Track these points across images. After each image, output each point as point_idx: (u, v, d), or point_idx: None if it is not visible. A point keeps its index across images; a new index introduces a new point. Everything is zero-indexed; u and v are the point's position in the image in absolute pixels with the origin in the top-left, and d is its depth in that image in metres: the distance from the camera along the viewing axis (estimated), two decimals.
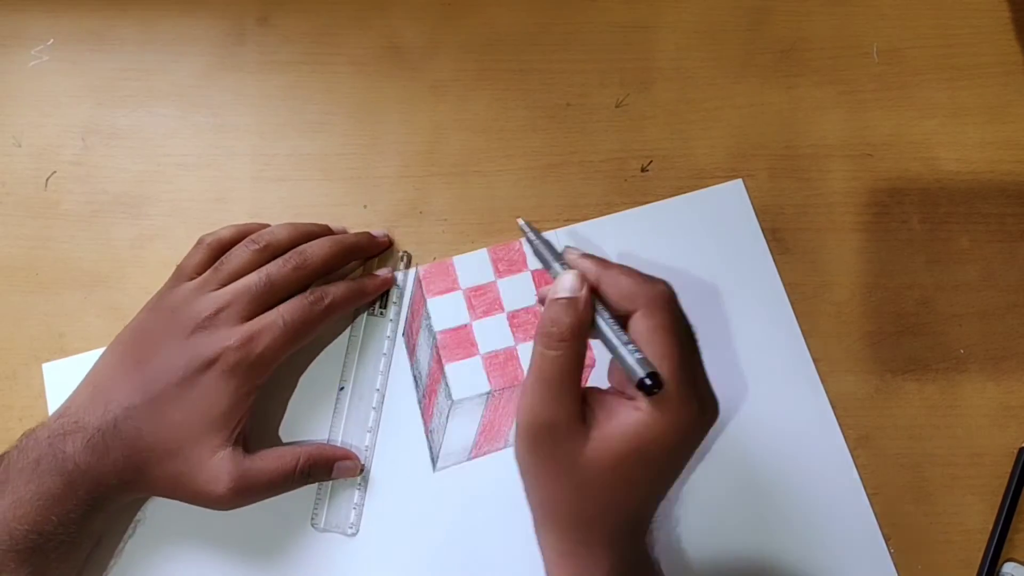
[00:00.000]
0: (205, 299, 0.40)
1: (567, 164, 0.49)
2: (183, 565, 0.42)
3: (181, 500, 0.39)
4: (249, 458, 0.39)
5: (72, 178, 0.49)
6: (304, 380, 0.45)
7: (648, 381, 0.33)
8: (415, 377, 0.45)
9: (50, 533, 0.36)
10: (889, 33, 0.51)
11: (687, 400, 0.34)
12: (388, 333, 0.45)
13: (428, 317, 0.45)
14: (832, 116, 0.50)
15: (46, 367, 0.45)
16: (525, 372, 0.40)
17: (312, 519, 0.42)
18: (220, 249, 0.43)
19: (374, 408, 0.44)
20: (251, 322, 0.40)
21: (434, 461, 0.43)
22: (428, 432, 0.44)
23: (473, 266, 0.46)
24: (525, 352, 0.44)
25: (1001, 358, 0.45)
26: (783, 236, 0.47)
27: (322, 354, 0.45)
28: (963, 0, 0.52)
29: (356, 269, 0.47)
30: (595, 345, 0.40)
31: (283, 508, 0.42)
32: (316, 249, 0.43)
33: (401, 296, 0.46)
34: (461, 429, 0.43)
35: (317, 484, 0.43)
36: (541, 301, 0.40)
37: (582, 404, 0.34)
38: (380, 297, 0.46)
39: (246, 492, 0.39)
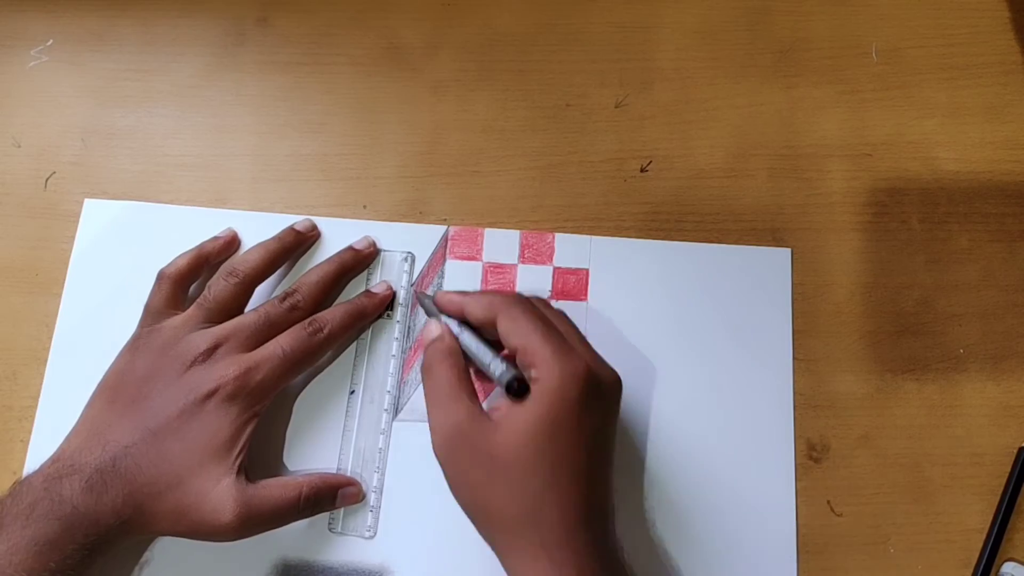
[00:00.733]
0: (199, 335, 0.40)
1: (567, 164, 0.49)
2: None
3: (184, 535, 0.38)
4: (252, 486, 0.38)
5: (72, 178, 0.49)
6: (314, 385, 0.44)
7: (514, 384, 0.36)
8: (408, 328, 0.45)
9: None
10: (889, 33, 0.51)
11: (569, 361, 0.36)
12: (396, 335, 0.45)
13: (442, 276, 0.46)
14: (832, 116, 0.50)
15: (88, 202, 0.48)
16: None
17: (329, 523, 0.42)
18: (182, 281, 0.43)
19: (386, 410, 0.44)
20: (250, 353, 0.40)
21: (397, 410, 0.44)
22: (401, 382, 0.44)
23: (501, 243, 0.47)
24: None
25: (1001, 358, 0.45)
26: (783, 236, 0.47)
27: (331, 359, 0.45)
28: (963, 0, 0.52)
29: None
30: None
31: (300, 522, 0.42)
32: (307, 289, 0.43)
33: (409, 298, 0.46)
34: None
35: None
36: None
37: (481, 407, 0.37)
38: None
39: (251, 520, 0.38)
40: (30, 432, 0.44)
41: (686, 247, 0.47)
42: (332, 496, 0.41)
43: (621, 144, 0.49)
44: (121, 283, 0.46)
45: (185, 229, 0.46)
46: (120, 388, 0.40)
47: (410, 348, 0.45)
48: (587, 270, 0.46)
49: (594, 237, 0.47)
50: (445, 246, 0.47)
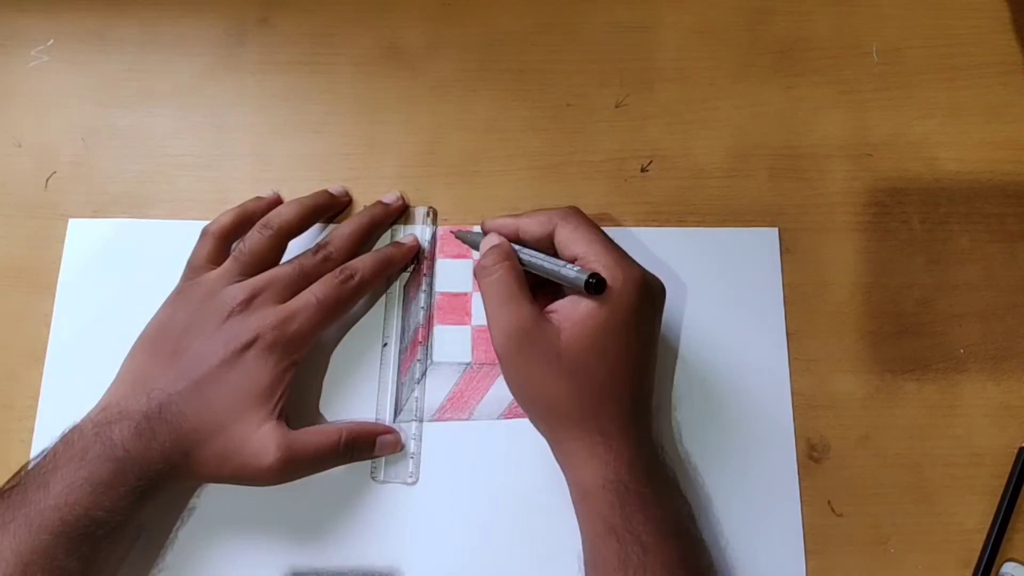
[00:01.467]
0: (235, 287, 0.41)
1: (567, 164, 0.49)
2: (243, 542, 0.42)
3: (228, 479, 0.39)
4: (293, 432, 0.40)
5: (72, 178, 0.49)
6: (347, 340, 0.45)
7: (592, 281, 0.37)
8: (403, 328, 0.45)
9: (101, 520, 0.36)
10: (889, 33, 0.51)
11: (628, 268, 0.39)
12: (424, 287, 0.46)
13: (432, 275, 0.47)
14: (832, 116, 0.50)
15: (72, 222, 0.47)
16: None
17: (372, 472, 0.43)
18: (225, 237, 0.44)
19: (419, 360, 0.45)
20: (286, 304, 0.41)
21: (396, 412, 0.44)
22: (399, 383, 0.45)
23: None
24: None
25: (1001, 358, 0.45)
26: (783, 236, 0.47)
27: (363, 311, 0.46)
28: (963, 0, 0.52)
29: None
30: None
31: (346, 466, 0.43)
32: (339, 241, 0.44)
33: (432, 250, 0.47)
34: (431, 391, 0.45)
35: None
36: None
37: (542, 311, 0.39)
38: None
39: (293, 462, 0.39)
40: (30, 432, 0.44)
41: (674, 232, 0.48)
42: (371, 443, 0.42)
43: (621, 144, 0.49)
44: (111, 302, 0.46)
45: (171, 244, 0.46)
46: (161, 339, 0.41)
47: (405, 348, 0.46)
48: None
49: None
50: (434, 245, 0.47)
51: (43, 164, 0.49)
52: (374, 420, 0.44)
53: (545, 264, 0.40)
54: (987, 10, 0.51)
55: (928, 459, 0.44)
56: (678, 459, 0.43)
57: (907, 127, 0.49)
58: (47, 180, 0.49)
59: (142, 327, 0.42)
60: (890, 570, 0.42)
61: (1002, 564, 0.42)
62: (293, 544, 0.42)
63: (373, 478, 0.43)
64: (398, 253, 0.46)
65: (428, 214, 0.48)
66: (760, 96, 0.50)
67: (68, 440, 0.38)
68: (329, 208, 0.47)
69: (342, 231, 0.45)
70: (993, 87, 0.50)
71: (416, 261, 0.47)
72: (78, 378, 0.43)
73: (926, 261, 0.47)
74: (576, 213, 0.42)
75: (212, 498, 0.43)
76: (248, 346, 0.40)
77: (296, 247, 0.45)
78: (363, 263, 0.44)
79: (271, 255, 0.44)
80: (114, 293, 0.46)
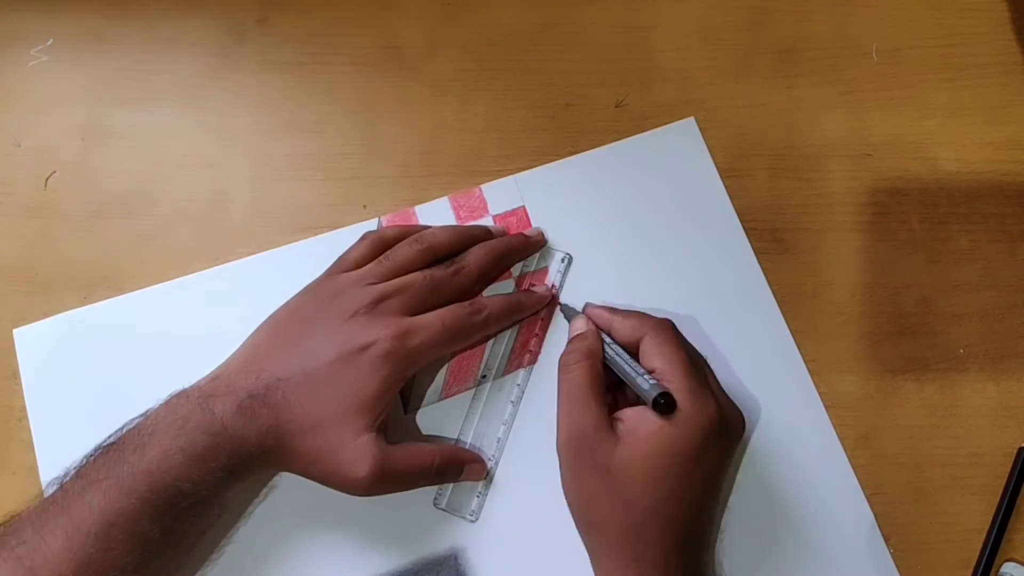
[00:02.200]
0: (366, 289, 0.41)
1: None
2: (308, 535, 0.42)
3: (317, 479, 0.39)
4: (390, 447, 0.39)
5: (72, 178, 0.49)
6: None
7: (661, 400, 0.37)
8: (505, 366, 0.45)
9: (188, 491, 0.36)
10: (889, 33, 0.51)
11: (703, 398, 0.38)
12: (537, 331, 0.46)
13: (549, 323, 0.46)
14: (832, 116, 0.50)
15: (17, 332, 0.45)
16: None
17: (435, 499, 0.43)
18: (382, 246, 0.44)
19: (512, 402, 0.44)
20: (411, 318, 0.41)
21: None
22: (486, 383, 0.45)
23: (434, 214, 0.47)
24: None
25: (1001, 358, 0.45)
26: (783, 236, 0.47)
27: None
28: (963, 0, 0.52)
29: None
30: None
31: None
32: (474, 258, 0.44)
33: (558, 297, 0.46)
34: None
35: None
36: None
37: (609, 417, 0.39)
38: None
39: (385, 479, 0.39)
40: (30, 432, 0.44)
41: (601, 152, 0.49)
42: (459, 469, 0.42)
43: None
44: (86, 396, 0.45)
45: (119, 322, 0.46)
46: (287, 324, 0.41)
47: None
48: (523, 207, 0.48)
49: (518, 175, 0.48)
50: (560, 292, 0.47)
51: (43, 164, 0.49)
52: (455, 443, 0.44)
53: (625, 367, 0.40)
54: (987, 10, 0.51)
55: (928, 459, 0.44)
56: None
57: (907, 127, 0.49)
58: (47, 180, 0.49)
59: (124, 399, 0.40)
60: (890, 570, 0.42)
61: (1002, 564, 0.42)
62: (344, 550, 0.42)
63: (435, 504, 0.43)
64: (529, 301, 0.45)
65: (564, 260, 0.47)
66: (760, 96, 0.50)
67: (172, 405, 0.38)
68: (481, 240, 0.46)
69: (479, 251, 0.44)
70: (993, 87, 0.50)
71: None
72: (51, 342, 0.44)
73: (926, 261, 0.47)
74: (668, 328, 0.41)
75: (291, 486, 0.43)
76: (364, 348, 0.39)
77: None
78: (494, 303, 0.43)
79: (414, 268, 0.43)
80: (83, 386, 0.45)
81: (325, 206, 0.48)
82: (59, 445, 0.44)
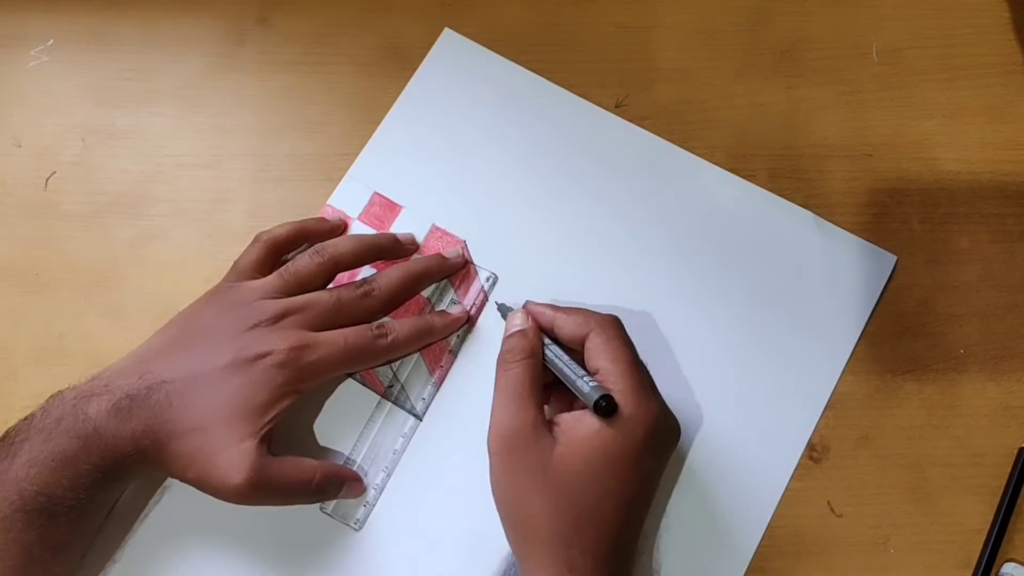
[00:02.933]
0: (271, 303, 0.40)
1: None
2: (196, 540, 0.42)
3: (192, 483, 0.38)
4: (270, 458, 0.38)
5: (72, 178, 0.49)
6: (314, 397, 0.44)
7: (603, 403, 0.36)
8: (407, 384, 0.44)
9: (60, 496, 0.36)
10: (889, 33, 0.51)
11: (646, 400, 0.37)
12: (451, 347, 0.45)
13: (462, 343, 0.45)
14: (832, 116, 0.50)
15: (447, 31, 0.50)
16: (423, 296, 0.45)
17: (321, 504, 0.42)
18: (276, 248, 0.44)
19: (414, 415, 0.44)
20: (312, 333, 0.40)
21: (417, 415, 0.44)
22: (391, 396, 0.44)
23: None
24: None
25: (1001, 358, 0.45)
26: None
27: None
28: (963, 0, 0.52)
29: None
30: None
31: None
32: (385, 281, 0.43)
33: (473, 326, 0.45)
34: (411, 372, 0.44)
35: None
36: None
37: (545, 417, 0.38)
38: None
39: (260, 490, 0.38)
40: None
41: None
42: (339, 487, 0.41)
43: None
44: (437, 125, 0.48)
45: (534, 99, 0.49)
46: (182, 329, 0.40)
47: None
48: (375, 193, 0.47)
49: (351, 170, 0.49)
50: (479, 313, 0.46)
51: (43, 164, 0.49)
52: (345, 456, 0.43)
53: (564, 369, 0.39)
54: (987, 10, 0.51)
55: (928, 459, 0.44)
56: None
57: (907, 127, 0.49)
58: (47, 180, 0.49)
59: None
60: (890, 570, 0.42)
61: (1002, 564, 0.42)
62: (229, 553, 0.42)
63: (321, 509, 0.42)
64: (440, 324, 0.44)
65: (489, 279, 0.46)
66: (760, 96, 0.50)
67: (47, 407, 0.37)
68: (390, 252, 0.45)
69: (392, 274, 0.43)
70: (993, 87, 0.50)
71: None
72: None
73: (926, 261, 0.47)
74: (614, 325, 0.40)
75: (180, 496, 0.42)
76: (259, 358, 0.38)
77: None
78: (402, 328, 0.42)
79: (317, 282, 0.42)
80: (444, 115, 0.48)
81: (325, 206, 0.48)
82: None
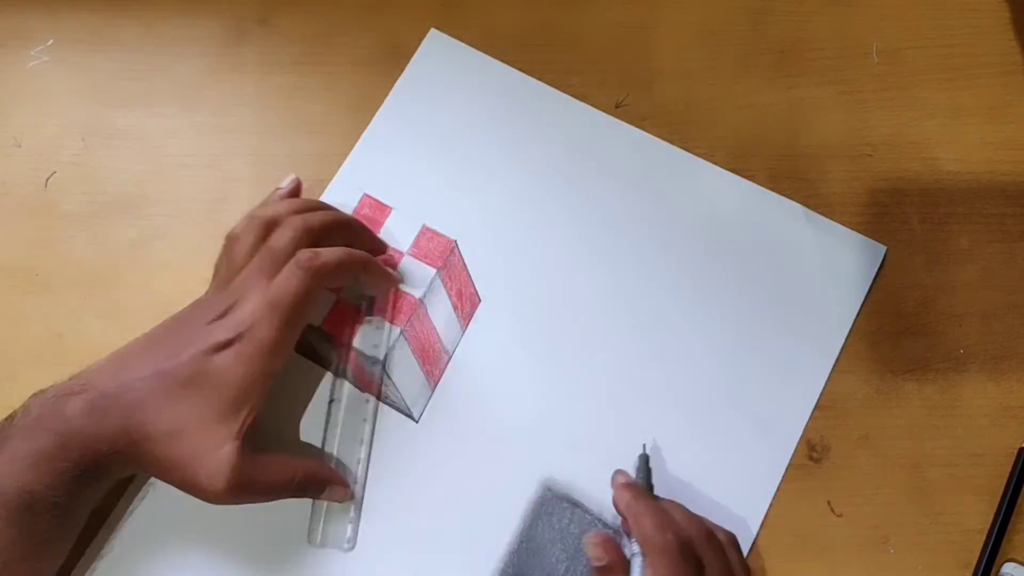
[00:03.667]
0: (225, 292, 0.39)
1: None
2: (178, 559, 0.42)
3: (173, 484, 0.38)
4: (252, 459, 0.38)
5: (72, 178, 0.49)
6: (292, 393, 0.44)
7: None
8: (336, 385, 0.44)
9: (40, 494, 0.35)
10: (889, 33, 0.51)
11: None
12: (376, 342, 0.42)
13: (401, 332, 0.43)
14: (832, 116, 0.50)
15: (433, 32, 0.50)
16: (415, 296, 0.42)
17: (309, 535, 0.42)
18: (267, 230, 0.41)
19: (365, 420, 0.43)
20: (266, 292, 0.38)
21: (413, 416, 0.44)
22: (388, 401, 0.44)
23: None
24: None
25: (1001, 358, 0.45)
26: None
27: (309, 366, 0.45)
28: (963, 0, 0.52)
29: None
30: None
31: (278, 522, 0.42)
32: (313, 213, 0.41)
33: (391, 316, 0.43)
34: (405, 374, 0.43)
35: (312, 499, 0.42)
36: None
37: None
38: (369, 303, 0.42)
39: (242, 493, 0.38)
40: None
41: (774, 199, 0.48)
42: (321, 488, 0.41)
43: None
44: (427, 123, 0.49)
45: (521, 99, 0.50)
46: (161, 328, 0.40)
47: (358, 384, 0.44)
48: (365, 194, 0.45)
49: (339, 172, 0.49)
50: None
51: (43, 164, 0.49)
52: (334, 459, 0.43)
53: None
54: (987, 10, 0.51)
55: (928, 459, 0.44)
56: None
57: (907, 127, 0.49)
58: (47, 180, 0.49)
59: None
60: (890, 570, 0.42)
61: (1002, 564, 0.42)
62: (216, 552, 0.41)
63: (309, 541, 0.42)
64: (372, 261, 0.41)
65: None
66: (760, 96, 0.50)
67: (27, 407, 0.37)
68: (356, 233, 0.42)
69: (319, 215, 0.41)
70: (993, 87, 0.50)
71: (370, 309, 0.42)
72: None
73: (926, 261, 0.47)
74: (663, 563, 0.36)
75: (161, 498, 0.42)
76: (219, 348, 0.37)
77: None
78: (327, 250, 0.39)
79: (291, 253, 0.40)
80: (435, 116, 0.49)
81: None
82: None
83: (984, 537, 0.42)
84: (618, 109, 0.50)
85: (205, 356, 0.38)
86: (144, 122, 0.50)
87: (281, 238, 0.39)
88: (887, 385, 0.45)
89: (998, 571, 0.42)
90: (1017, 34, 0.51)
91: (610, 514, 0.41)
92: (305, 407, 0.44)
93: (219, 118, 0.50)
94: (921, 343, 0.46)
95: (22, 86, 0.51)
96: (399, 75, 0.51)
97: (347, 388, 0.44)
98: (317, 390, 0.44)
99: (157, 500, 0.42)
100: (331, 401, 0.44)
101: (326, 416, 0.44)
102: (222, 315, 0.39)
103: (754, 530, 0.42)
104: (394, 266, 0.43)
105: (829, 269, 0.46)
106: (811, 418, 0.44)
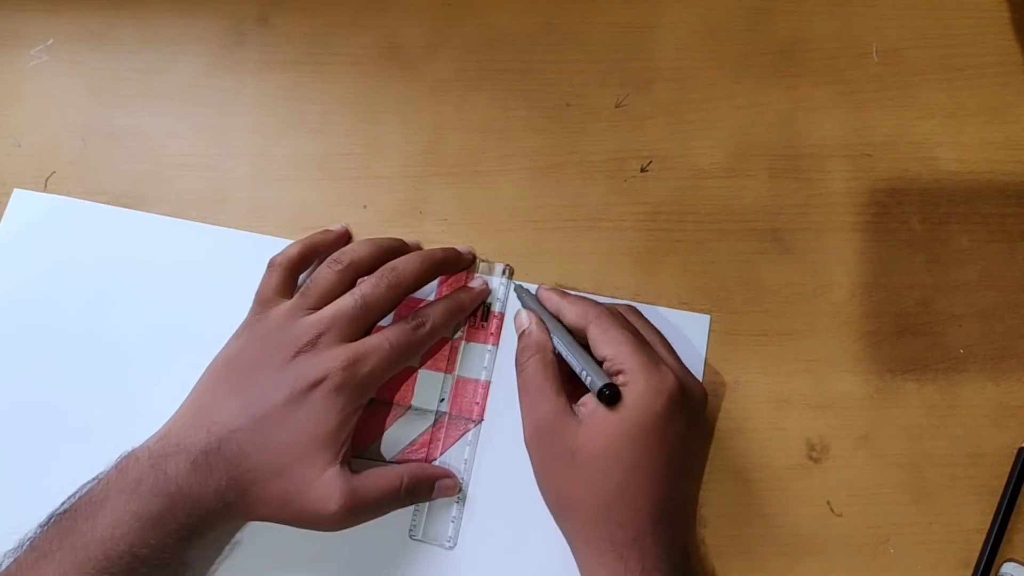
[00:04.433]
0: (301, 324, 0.40)
1: (567, 164, 0.49)
2: None
3: (288, 522, 0.38)
4: (356, 476, 0.39)
5: (72, 178, 0.49)
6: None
7: (606, 391, 0.37)
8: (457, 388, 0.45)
9: (146, 556, 0.35)
10: (889, 33, 0.51)
11: (659, 372, 0.38)
12: (489, 346, 0.45)
13: (500, 336, 0.45)
14: (832, 116, 0.50)
15: (17, 192, 0.48)
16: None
17: (410, 530, 0.42)
18: (293, 268, 0.43)
19: (474, 421, 0.44)
20: (356, 344, 0.40)
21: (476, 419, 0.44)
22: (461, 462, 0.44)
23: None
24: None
25: (1001, 358, 0.45)
26: (783, 236, 0.47)
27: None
28: (963, 0, 0.52)
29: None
30: None
31: (382, 520, 0.41)
32: (407, 265, 0.43)
33: (504, 307, 0.46)
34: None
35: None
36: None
37: (570, 404, 0.40)
38: (481, 308, 0.46)
39: (356, 510, 0.38)
40: None
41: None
42: (430, 486, 0.41)
43: (621, 144, 0.49)
44: (35, 278, 0.46)
45: (111, 230, 0.47)
46: (227, 373, 0.40)
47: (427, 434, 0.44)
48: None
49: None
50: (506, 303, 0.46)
51: (43, 164, 0.49)
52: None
53: (572, 361, 0.40)
54: (987, 10, 0.51)
55: (928, 459, 0.44)
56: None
57: (907, 127, 0.49)
58: (47, 180, 0.49)
59: (50, 309, 0.42)
60: (890, 570, 0.42)
61: (1002, 564, 0.42)
62: None
63: (411, 535, 0.42)
64: (467, 298, 0.45)
65: (504, 272, 0.46)
66: (760, 96, 0.50)
67: (123, 468, 0.37)
68: (402, 253, 0.45)
69: (411, 260, 0.43)
70: (993, 87, 0.50)
71: (484, 314, 0.46)
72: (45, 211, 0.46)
73: (926, 261, 0.47)
74: (609, 315, 0.41)
75: (255, 537, 0.42)
76: (315, 385, 0.38)
77: None
78: (435, 312, 0.43)
79: (340, 291, 0.42)
80: (40, 274, 0.47)
81: (325, 206, 0.48)
82: None
83: (984, 537, 0.42)
84: (618, 109, 0.50)
85: (301, 395, 0.38)
86: (144, 122, 0.50)
87: (375, 290, 0.41)
88: (887, 385, 0.45)
89: (998, 571, 0.42)
90: (1017, 34, 0.51)
91: None
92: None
93: (219, 118, 0.50)
94: (921, 343, 0.46)
95: (22, 86, 0.51)
96: (399, 75, 0.51)
97: (455, 389, 0.45)
98: (424, 389, 0.45)
99: (255, 534, 0.42)
100: (440, 400, 0.45)
101: (434, 416, 0.44)
102: (311, 345, 0.39)
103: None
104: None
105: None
106: (811, 418, 0.44)
